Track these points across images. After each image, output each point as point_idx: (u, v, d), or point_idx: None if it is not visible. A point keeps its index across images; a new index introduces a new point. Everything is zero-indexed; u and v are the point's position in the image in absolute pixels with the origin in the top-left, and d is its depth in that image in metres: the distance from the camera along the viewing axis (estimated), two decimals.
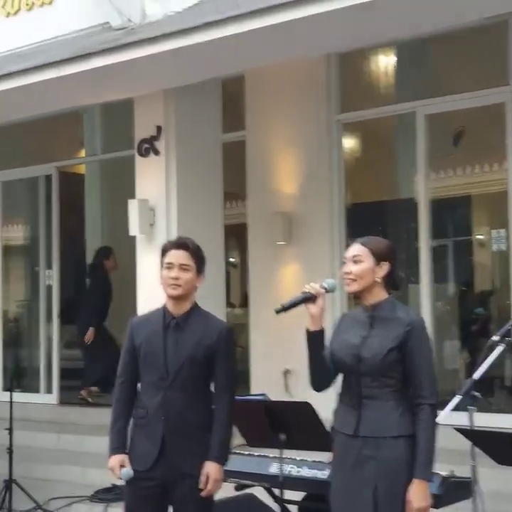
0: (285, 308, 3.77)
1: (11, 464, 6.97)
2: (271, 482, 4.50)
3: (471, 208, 10.21)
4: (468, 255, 9.56)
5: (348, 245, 3.87)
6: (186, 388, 3.97)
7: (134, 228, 7.83)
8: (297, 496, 4.58)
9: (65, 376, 10.51)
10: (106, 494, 7.00)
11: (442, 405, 3.69)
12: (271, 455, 4.55)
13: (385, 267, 3.72)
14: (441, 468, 4.15)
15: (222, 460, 3.99)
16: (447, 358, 8.63)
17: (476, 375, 3.78)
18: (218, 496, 4.13)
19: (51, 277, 10.52)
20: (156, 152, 7.85)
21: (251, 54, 6.90)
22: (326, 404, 4.20)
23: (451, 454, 4.77)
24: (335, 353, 3.75)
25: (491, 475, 4.58)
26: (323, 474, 4.31)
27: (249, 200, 8.95)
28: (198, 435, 3.96)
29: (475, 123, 8.66)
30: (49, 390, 10.28)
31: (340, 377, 3.81)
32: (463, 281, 9.64)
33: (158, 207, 7.82)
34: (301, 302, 3.75)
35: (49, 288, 10.54)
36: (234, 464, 4.12)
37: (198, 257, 4.09)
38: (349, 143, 8.83)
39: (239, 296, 13.39)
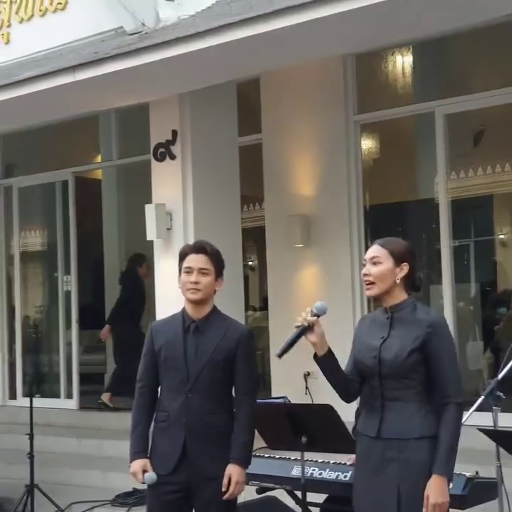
0: (285, 350, 3.71)
1: (33, 469, 6.98)
2: (292, 484, 4.48)
3: (492, 208, 10.16)
4: (489, 255, 9.52)
5: (367, 247, 3.83)
6: (207, 392, 3.95)
7: (151, 233, 7.82)
8: (319, 498, 4.55)
9: (85, 381, 10.54)
10: (127, 498, 7.00)
11: (466, 406, 3.66)
12: (292, 457, 4.53)
13: (404, 268, 3.68)
14: (465, 469, 4.12)
15: (244, 463, 3.97)
16: (470, 359, 8.57)
17: (500, 375, 3.74)
18: (240, 499, 4.11)
19: (69, 283, 10.54)
20: (172, 156, 7.84)
21: (266, 57, 6.88)
22: (347, 406, 4.17)
23: (475, 454, 4.73)
24: (356, 357, 3.73)
25: None
26: (345, 476, 4.29)
27: (266, 203, 8.93)
28: (219, 438, 3.95)
29: (495, 122, 8.59)
30: (69, 395, 10.30)
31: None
32: (485, 281, 9.58)
33: (175, 211, 7.82)
34: (299, 337, 3.68)
35: (67, 293, 10.56)
36: (255, 466, 4.10)
37: (217, 261, 4.07)
38: (367, 144, 8.80)
39: (258, 299, 13.39)
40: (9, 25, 8.85)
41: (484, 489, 4.11)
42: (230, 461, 3.92)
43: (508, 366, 3.89)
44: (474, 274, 9.46)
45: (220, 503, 3.90)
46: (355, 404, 3.87)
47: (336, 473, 4.36)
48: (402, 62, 8.61)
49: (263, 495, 4.77)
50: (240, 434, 3.95)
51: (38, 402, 7.98)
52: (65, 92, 7.42)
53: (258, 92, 8.79)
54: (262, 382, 9.21)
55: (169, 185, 7.87)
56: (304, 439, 4.18)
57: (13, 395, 10.85)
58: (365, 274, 3.70)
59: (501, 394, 3.92)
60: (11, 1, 8.71)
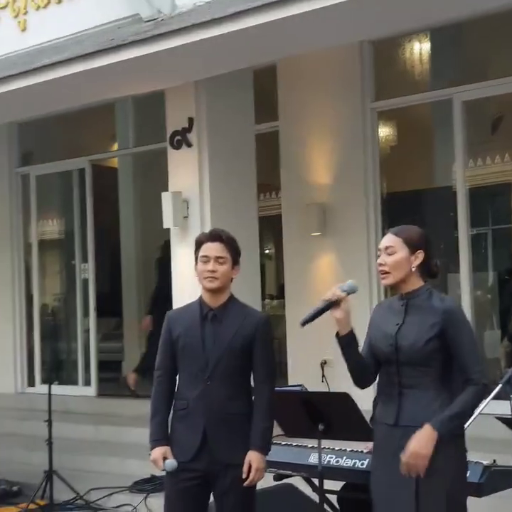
0: (309, 320, 3.73)
1: (51, 456, 7.04)
2: (309, 472, 4.48)
3: (510, 196, 10.07)
4: (507, 243, 9.43)
5: (384, 235, 3.82)
6: (226, 379, 3.96)
7: (167, 221, 7.83)
8: (336, 485, 4.55)
9: (103, 368, 10.59)
10: (145, 485, 7.05)
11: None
12: (309, 445, 4.54)
13: (420, 256, 3.68)
14: (483, 458, 4.11)
15: (264, 449, 3.98)
16: (488, 347, 8.54)
17: None
18: (257, 486, 4.11)
19: (87, 271, 10.58)
20: (189, 144, 7.84)
21: (282, 43, 6.84)
22: (364, 394, 4.17)
23: (492, 442, 4.73)
24: (373, 344, 3.73)
25: None
26: (363, 464, 4.29)
27: (283, 192, 8.91)
28: (239, 425, 3.96)
29: None
30: (87, 383, 10.36)
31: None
32: (503, 270, 9.52)
33: (191, 199, 7.81)
34: (325, 310, 3.71)
35: (85, 281, 10.60)
36: (272, 453, 4.10)
37: (233, 248, 4.07)
38: (384, 131, 8.75)
39: (274, 288, 13.38)
40: (26, 13, 8.86)
41: (501, 477, 4.10)
42: (249, 448, 3.93)
43: None
44: (492, 262, 9.40)
45: (240, 490, 3.91)
46: (372, 393, 3.86)
47: (353, 461, 4.36)
48: (420, 49, 8.56)
49: (280, 482, 4.78)
50: (259, 421, 3.95)
51: (57, 389, 8.05)
52: (81, 79, 7.42)
53: (275, 79, 8.75)
54: (279, 370, 9.21)
55: (186, 173, 7.87)
56: (321, 427, 4.19)
57: (31, 382, 10.91)
58: (381, 265, 3.70)
59: None
60: None
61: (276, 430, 4.14)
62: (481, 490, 4.03)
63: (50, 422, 7.09)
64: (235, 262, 4.07)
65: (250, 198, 8.16)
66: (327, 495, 4.45)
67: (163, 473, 4.09)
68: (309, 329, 8.89)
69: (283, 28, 6.28)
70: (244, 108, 8.06)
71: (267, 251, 14.67)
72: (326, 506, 4.46)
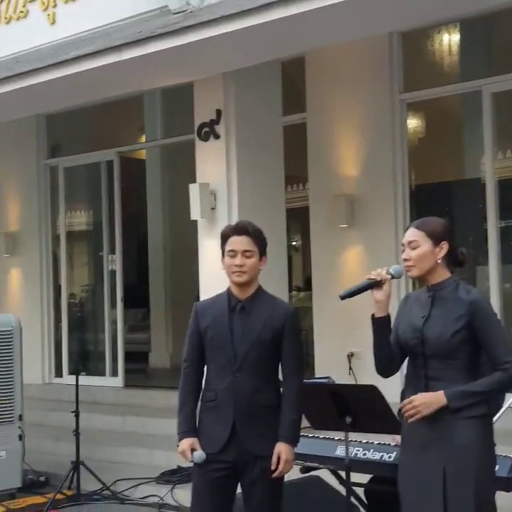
0: (350, 294, 3.73)
1: (78, 446, 7.07)
2: (336, 464, 4.47)
3: None
4: None
5: (406, 229, 3.80)
6: (254, 371, 3.95)
7: (195, 212, 7.83)
8: (363, 478, 4.54)
9: (130, 359, 10.64)
10: (171, 476, 7.06)
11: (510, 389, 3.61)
12: (336, 437, 4.53)
13: (444, 247, 3.65)
14: (510, 452, 4.07)
15: (293, 441, 3.97)
16: None
17: None
18: (284, 478, 4.11)
19: (114, 262, 10.62)
20: (216, 136, 7.83)
21: (311, 35, 6.82)
22: (391, 386, 4.16)
23: None
24: (400, 336, 3.71)
25: None
26: (390, 457, 4.27)
27: (310, 183, 8.89)
28: (267, 417, 3.95)
29: None
30: (114, 373, 10.40)
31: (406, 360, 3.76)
32: None
33: (219, 191, 7.82)
34: (366, 288, 3.70)
35: (112, 273, 10.64)
36: (299, 446, 4.08)
37: (260, 240, 4.05)
38: (413, 123, 8.71)
39: (302, 280, 13.37)
40: (55, 5, 8.90)
41: None
42: (278, 439, 3.93)
43: None
44: None
45: (268, 481, 3.91)
46: (400, 385, 3.85)
47: (381, 454, 4.34)
48: (449, 40, 8.49)
49: (307, 474, 4.78)
50: (288, 413, 3.94)
51: (84, 380, 8.08)
52: (110, 71, 7.44)
53: (303, 71, 8.73)
54: (305, 362, 9.20)
55: (213, 165, 7.87)
56: (348, 420, 4.17)
57: (59, 373, 10.99)
58: (406, 259, 3.68)
59: None
60: None
61: (303, 422, 4.13)
62: (509, 484, 3.99)
63: (77, 412, 7.13)
64: (262, 253, 4.05)
65: (278, 190, 8.14)
66: (354, 488, 4.44)
67: (190, 464, 4.08)
68: (336, 321, 8.89)
69: (312, 19, 6.26)
70: (272, 100, 8.05)
71: (294, 243, 14.66)
72: (352, 499, 4.45)
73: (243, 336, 3.96)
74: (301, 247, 14.41)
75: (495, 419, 3.66)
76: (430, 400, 3.52)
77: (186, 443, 4.00)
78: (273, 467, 3.90)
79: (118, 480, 7.21)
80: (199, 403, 4.06)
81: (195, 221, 7.97)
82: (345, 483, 4.31)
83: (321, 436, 4.63)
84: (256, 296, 4.04)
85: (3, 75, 8.17)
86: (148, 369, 11.79)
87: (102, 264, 10.85)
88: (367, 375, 4.90)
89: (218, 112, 7.82)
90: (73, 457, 7.08)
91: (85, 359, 10.90)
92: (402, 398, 3.75)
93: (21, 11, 9.27)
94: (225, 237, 4.05)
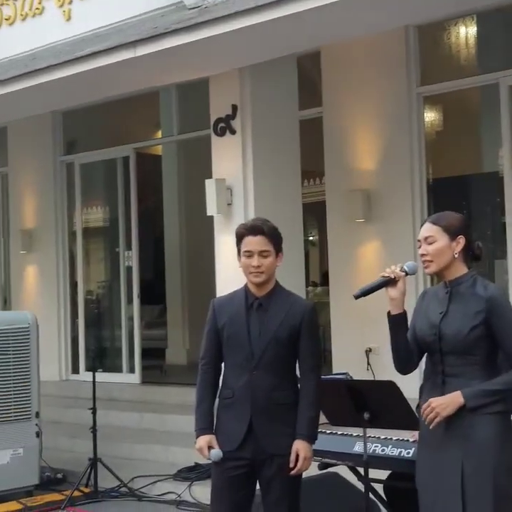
0: (364, 293, 3.70)
1: (96, 443, 7.07)
2: (355, 461, 4.45)
3: None
4: None
5: (422, 225, 3.76)
6: (272, 368, 3.94)
7: (211, 208, 7.82)
8: (382, 475, 4.51)
9: (147, 356, 10.64)
10: (189, 473, 7.05)
11: None
12: (354, 434, 4.50)
13: (461, 241, 3.62)
14: None
15: (311, 438, 3.95)
16: None
17: None
18: (302, 474, 4.09)
19: (131, 258, 10.62)
20: (232, 131, 7.82)
21: (326, 29, 6.79)
22: (410, 382, 4.12)
23: None
24: (417, 333, 3.69)
25: None
26: (408, 453, 4.24)
27: (327, 178, 8.86)
28: (285, 414, 3.94)
29: None
30: (131, 370, 10.41)
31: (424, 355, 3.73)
32: None
33: (235, 186, 7.80)
34: (381, 286, 3.67)
35: (129, 269, 10.65)
36: (317, 442, 4.07)
37: (275, 238, 4.01)
38: (430, 116, 8.65)
39: (319, 275, 13.35)
40: (70, 2, 8.93)
41: None
42: (296, 437, 3.91)
43: None
44: None
45: (286, 478, 3.89)
46: (418, 381, 3.82)
47: (399, 450, 4.31)
48: (466, 33, 8.43)
49: (325, 471, 4.76)
50: (305, 410, 3.93)
51: (101, 376, 8.08)
52: (125, 67, 7.44)
53: (319, 66, 8.70)
54: (323, 358, 9.18)
55: (229, 160, 7.85)
56: (366, 416, 4.15)
57: (75, 370, 11.01)
58: (423, 255, 3.66)
59: None
60: None
61: (321, 418, 4.11)
62: None
63: (94, 409, 7.13)
64: (278, 250, 4.03)
65: (294, 185, 8.12)
66: (372, 484, 4.42)
67: (208, 461, 4.08)
68: (353, 317, 8.87)
69: (328, 13, 6.23)
70: (288, 94, 8.02)
71: (310, 238, 14.64)
72: (371, 495, 4.43)
73: (260, 335, 3.94)
74: (318, 241, 14.39)
75: None
76: (446, 401, 3.50)
77: (203, 440, 3.99)
78: (291, 465, 3.88)
79: (135, 477, 7.21)
80: (217, 400, 4.05)
81: (212, 217, 7.96)
82: (364, 479, 4.29)
83: (339, 433, 4.61)
84: (273, 293, 4.01)
85: (19, 72, 8.19)
86: (165, 365, 11.79)
87: (118, 260, 10.86)
88: (385, 370, 4.87)
89: (234, 107, 7.80)
90: (90, 454, 7.08)
91: (102, 356, 10.90)
92: (421, 394, 3.73)
93: (37, 8, 9.30)
94: (240, 237, 4.01)
